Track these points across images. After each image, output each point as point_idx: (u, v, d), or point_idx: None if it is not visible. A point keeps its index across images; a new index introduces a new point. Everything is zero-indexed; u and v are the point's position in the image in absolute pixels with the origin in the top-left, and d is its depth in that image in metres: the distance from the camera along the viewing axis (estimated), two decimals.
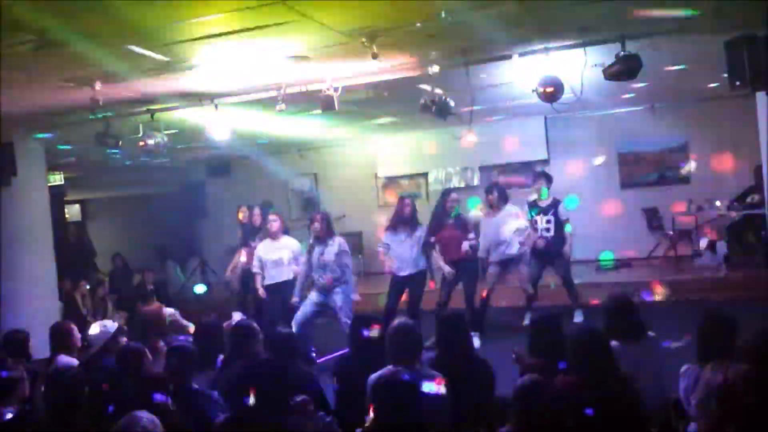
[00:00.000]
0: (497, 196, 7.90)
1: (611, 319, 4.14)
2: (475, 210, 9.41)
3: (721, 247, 9.89)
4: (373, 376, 3.61)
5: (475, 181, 12.31)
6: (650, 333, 4.19)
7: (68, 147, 9.42)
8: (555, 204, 8.19)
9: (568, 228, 8.09)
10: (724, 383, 2.64)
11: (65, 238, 12.40)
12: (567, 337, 3.72)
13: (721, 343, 3.48)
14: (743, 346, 3.33)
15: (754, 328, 3.45)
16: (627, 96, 9.56)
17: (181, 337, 5.46)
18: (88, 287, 10.84)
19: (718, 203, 10.08)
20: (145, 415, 2.85)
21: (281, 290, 7.57)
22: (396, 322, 3.98)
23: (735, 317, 3.67)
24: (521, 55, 6.25)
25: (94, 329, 4.89)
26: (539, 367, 3.60)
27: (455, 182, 12.30)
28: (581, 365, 3.44)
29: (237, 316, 6.87)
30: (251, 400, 3.06)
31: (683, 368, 3.62)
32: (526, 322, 7.45)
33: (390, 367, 3.72)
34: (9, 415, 3.56)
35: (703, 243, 10.02)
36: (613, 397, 3.23)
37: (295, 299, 7.34)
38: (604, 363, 3.42)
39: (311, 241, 7.27)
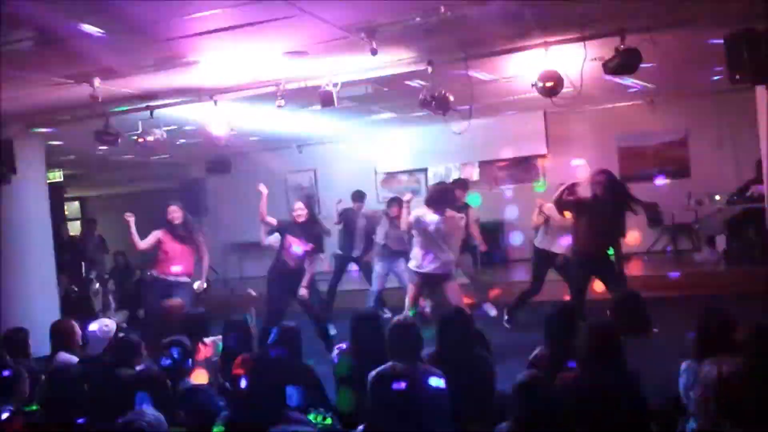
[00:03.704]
0: None
1: (618, 314, 4.11)
2: None
3: (721, 241, 9.88)
4: (373, 372, 3.61)
5: (475, 177, 12.29)
6: (653, 329, 4.18)
7: (68, 144, 9.41)
8: None
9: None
10: (719, 377, 2.63)
11: (81, 234, 12.46)
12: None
13: (718, 339, 3.46)
14: (739, 341, 3.32)
15: (752, 323, 3.44)
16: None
17: None
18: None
19: (717, 197, 10.04)
20: (150, 412, 2.85)
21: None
22: (396, 318, 3.98)
23: (732, 314, 3.65)
24: (521, 49, 6.23)
25: (93, 327, 4.90)
26: (546, 360, 3.57)
27: (455, 177, 12.22)
28: (590, 360, 3.40)
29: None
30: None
31: (683, 365, 3.60)
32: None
33: (390, 363, 3.71)
34: (7, 414, 3.55)
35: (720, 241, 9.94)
36: (614, 393, 3.22)
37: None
38: (614, 358, 3.39)
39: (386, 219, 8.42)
